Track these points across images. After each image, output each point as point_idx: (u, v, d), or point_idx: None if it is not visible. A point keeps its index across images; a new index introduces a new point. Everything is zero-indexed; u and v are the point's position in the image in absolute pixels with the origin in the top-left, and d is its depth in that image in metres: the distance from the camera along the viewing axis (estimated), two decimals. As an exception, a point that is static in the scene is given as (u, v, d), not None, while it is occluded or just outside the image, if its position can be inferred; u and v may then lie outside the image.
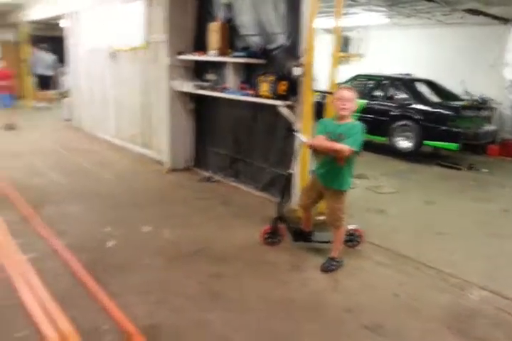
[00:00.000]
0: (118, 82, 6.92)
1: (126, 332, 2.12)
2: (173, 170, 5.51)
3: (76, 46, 8.28)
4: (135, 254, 3.05)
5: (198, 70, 5.38)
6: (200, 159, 5.64)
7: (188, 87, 5.06)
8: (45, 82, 11.01)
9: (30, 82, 11.49)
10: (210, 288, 2.64)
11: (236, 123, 4.98)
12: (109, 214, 3.81)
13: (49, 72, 10.96)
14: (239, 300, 2.54)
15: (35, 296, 2.37)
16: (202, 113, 5.51)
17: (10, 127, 7.72)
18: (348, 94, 2.77)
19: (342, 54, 3.92)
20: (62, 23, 10.82)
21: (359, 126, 2.80)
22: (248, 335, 2.23)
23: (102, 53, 7.23)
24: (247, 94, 4.38)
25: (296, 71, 3.81)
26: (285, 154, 4.17)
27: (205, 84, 5.05)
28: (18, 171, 5.05)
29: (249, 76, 4.66)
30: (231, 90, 4.64)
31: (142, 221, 3.67)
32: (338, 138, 2.75)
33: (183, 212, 4.03)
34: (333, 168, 2.84)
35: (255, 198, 4.48)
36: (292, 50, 4.04)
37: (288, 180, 3.42)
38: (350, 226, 3.20)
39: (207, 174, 5.35)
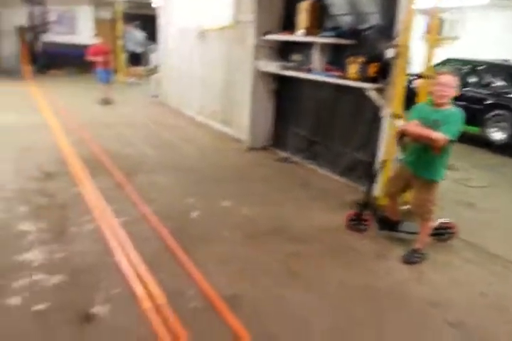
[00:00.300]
0: (205, 60, 7.10)
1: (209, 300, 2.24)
2: (252, 148, 5.60)
3: (167, 25, 8.58)
4: (215, 227, 3.17)
5: (284, 51, 5.34)
6: (278, 139, 5.66)
7: (273, 67, 5.05)
8: (136, 59, 11.59)
9: (122, 58, 12.19)
10: (289, 267, 2.69)
11: (318, 105, 4.91)
12: (192, 187, 3.99)
13: (139, 49, 11.50)
14: (319, 282, 2.56)
15: (127, 257, 2.57)
16: (283, 93, 5.50)
17: (106, 102, 7.98)
18: (451, 79, 2.59)
19: (438, 37, 3.64)
20: (154, 3, 11.26)
21: (458, 113, 2.61)
22: (327, 319, 2.24)
23: (191, 32, 7.43)
24: (333, 76, 4.28)
25: (390, 52, 3.63)
26: (369, 139, 4.04)
27: (290, 64, 5.00)
28: (112, 141, 5.43)
29: (336, 57, 4.53)
30: (316, 71, 4.56)
31: (222, 196, 3.80)
32: (432, 124, 2.59)
33: (261, 190, 4.10)
34: (425, 155, 2.69)
35: (333, 182, 4.43)
36: (386, 31, 3.83)
37: (381, 166, 3.31)
38: (442, 220, 3.05)
39: (285, 154, 5.37)
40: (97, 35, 8.93)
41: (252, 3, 5.32)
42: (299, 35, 4.65)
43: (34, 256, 2.51)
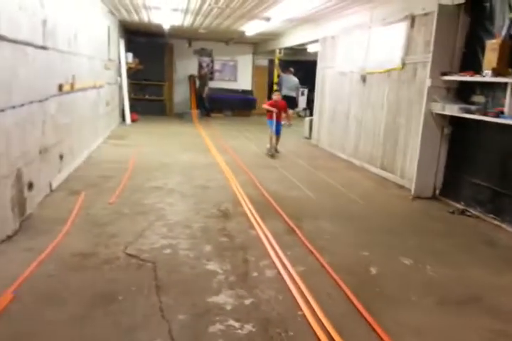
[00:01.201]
0: (364, 103, 7.01)
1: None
2: (418, 197, 5.19)
3: (325, 69, 8.82)
4: (400, 288, 2.88)
5: (462, 92, 4.95)
6: (450, 189, 5.14)
7: (452, 109, 4.67)
8: (288, 102, 12.09)
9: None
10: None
11: (506, 152, 4.33)
12: (363, 238, 3.78)
13: (293, 93, 12.02)
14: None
15: (312, 313, 2.45)
16: (458, 138, 5.03)
17: (272, 155, 7.54)
18: None
19: None
20: (310, 48, 11.80)
21: None
22: None
23: (351, 75, 7.48)
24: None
25: None
26: None
27: (473, 107, 4.57)
28: (274, 182, 5.58)
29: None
30: (510, 115, 4.05)
31: (399, 251, 3.50)
32: None
33: (440, 247, 3.68)
34: None
35: (529, 243, 3.76)
36: None
37: None
38: None
39: (459, 206, 4.82)
40: (275, 90, 8.60)
41: (427, 44, 5.17)
42: (486, 76, 4.25)
43: (224, 299, 2.55)
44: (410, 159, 5.60)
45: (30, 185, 3.86)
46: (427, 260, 3.34)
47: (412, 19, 5.63)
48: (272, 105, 7.79)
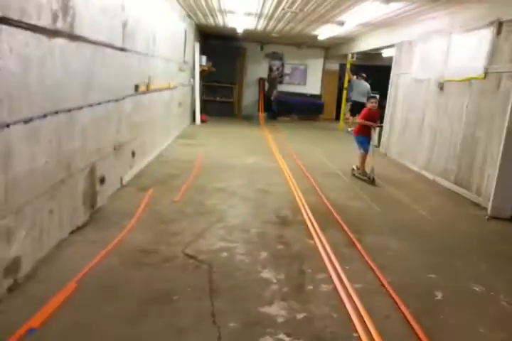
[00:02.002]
0: (440, 112, 6.61)
1: None
2: (495, 217, 4.78)
3: (399, 75, 8.46)
4: (467, 318, 2.64)
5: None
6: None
7: (541, 125, 4.25)
8: (358, 109, 11.77)
9: (344, 107, 12.62)
10: None
11: None
12: (429, 258, 3.52)
13: (363, 99, 11.66)
14: None
15: (368, 335, 2.31)
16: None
17: (371, 179, 5.97)
18: None
19: None
20: (385, 53, 11.41)
21: None
22: None
23: (427, 83, 7.10)
24: None
25: None
26: None
27: None
28: (337, 191, 5.42)
29: None
30: None
31: (469, 276, 3.22)
32: None
33: (517, 274, 3.34)
34: None
35: None
36: None
37: None
38: None
39: (543, 230, 4.37)
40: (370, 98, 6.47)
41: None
42: None
43: (276, 311, 2.49)
44: (488, 175, 5.17)
45: (103, 179, 4.07)
46: (500, 288, 3.05)
47: (499, 25, 5.20)
48: (367, 116, 6.22)
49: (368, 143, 6.26)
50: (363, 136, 6.31)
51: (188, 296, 2.59)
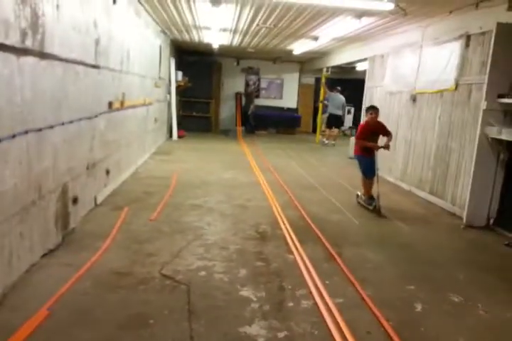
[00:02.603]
0: (414, 124, 6.76)
1: None
2: (470, 226, 4.86)
3: (373, 88, 8.63)
4: (447, 330, 2.63)
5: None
6: (506, 218, 4.78)
7: (510, 134, 4.37)
8: (334, 121, 11.96)
9: (320, 120, 12.77)
10: None
11: None
12: (408, 269, 3.54)
13: (339, 112, 11.87)
14: None
15: (350, 352, 2.28)
16: (516, 164, 4.70)
17: (378, 208, 5.09)
18: None
19: None
20: (359, 67, 11.66)
21: None
22: None
23: (400, 95, 7.26)
24: None
25: None
26: None
27: (534, 132, 4.26)
28: (315, 204, 5.42)
29: None
30: None
31: (448, 287, 3.24)
32: None
33: (494, 283, 3.38)
34: None
35: None
36: None
37: None
38: None
39: (516, 238, 4.45)
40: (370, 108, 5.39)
41: (483, 65, 4.93)
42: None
43: (257, 330, 2.44)
44: (463, 185, 5.28)
45: (75, 200, 3.97)
46: (478, 297, 3.07)
47: (468, 38, 5.39)
48: (366, 131, 5.23)
49: (371, 165, 5.24)
50: (365, 157, 5.26)
51: (165, 319, 2.51)
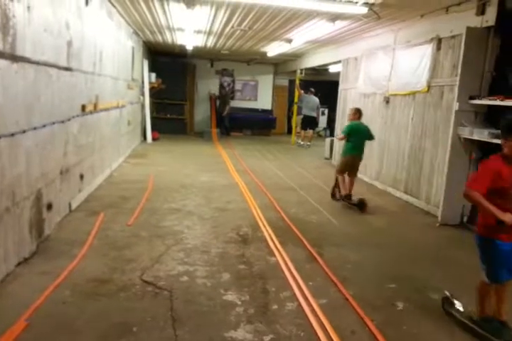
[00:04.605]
0: (387, 125, 6.89)
1: None
2: (445, 224, 4.99)
3: (346, 90, 8.75)
4: (428, 326, 2.69)
5: (491, 116, 4.80)
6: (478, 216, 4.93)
7: (481, 134, 4.51)
8: (309, 122, 12.06)
9: (296, 121, 12.85)
10: None
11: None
12: (388, 268, 3.60)
13: (313, 113, 11.98)
14: None
15: (336, 352, 2.30)
16: (487, 163, 4.86)
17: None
18: None
19: None
20: (332, 69, 11.81)
21: None
22: None
23: (373, 97, 7.39)
24: None
25: None
26: None
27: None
28: (294, 205, 5.44)
29: None
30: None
31: (427, 284, 3.31)
32: None
33: (470, 279, 3.46)
34: None
35: None
36: None
37: None
38: None
39: (489, 235, 4.59)
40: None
41: (454, 67, 5.09)
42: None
43: (242, 335, 2.42)
44: (436, 184, 5.42)
45: (50, 206, 3.84)
46: (456, 294, 3.13)
47: (439, 41, 5.54)
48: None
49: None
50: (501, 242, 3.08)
51: (149, 326, 2.46)
